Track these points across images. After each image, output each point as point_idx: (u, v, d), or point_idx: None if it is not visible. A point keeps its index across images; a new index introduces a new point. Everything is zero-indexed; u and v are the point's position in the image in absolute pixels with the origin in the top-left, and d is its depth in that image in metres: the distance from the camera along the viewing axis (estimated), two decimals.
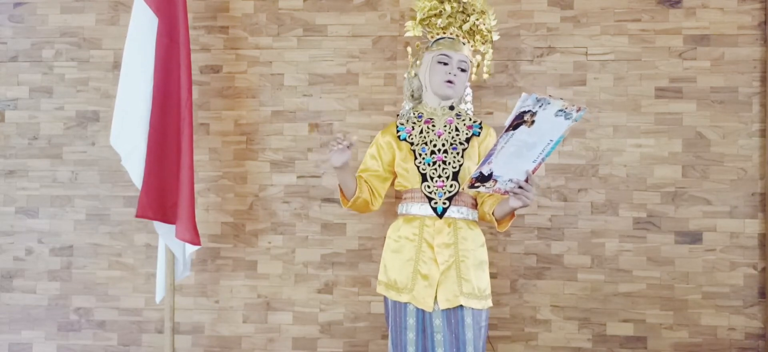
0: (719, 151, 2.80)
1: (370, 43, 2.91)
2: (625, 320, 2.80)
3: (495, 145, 1.86)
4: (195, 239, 2.51)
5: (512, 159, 1.91)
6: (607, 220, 2.82)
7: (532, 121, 1.82)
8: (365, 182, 2.30)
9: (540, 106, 1.79)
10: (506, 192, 2.01)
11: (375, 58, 2.90)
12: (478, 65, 2.41)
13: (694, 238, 2.80)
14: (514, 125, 1.81)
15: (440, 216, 2.16)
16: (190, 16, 2.89)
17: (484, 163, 1.90)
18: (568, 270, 2.82)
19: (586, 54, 2.85)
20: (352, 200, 2.24)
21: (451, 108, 2.28)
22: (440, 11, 2.31)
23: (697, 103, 2.81)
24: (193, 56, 2.89)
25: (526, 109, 1.78)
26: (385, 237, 2.83)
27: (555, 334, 2.82)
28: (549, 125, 1.84)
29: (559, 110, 1.82)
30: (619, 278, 2.81)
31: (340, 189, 2.25)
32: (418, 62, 2.33)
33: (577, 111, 1.83)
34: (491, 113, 2.84)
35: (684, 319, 2.79)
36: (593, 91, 2.83)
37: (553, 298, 2.83)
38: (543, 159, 1.95)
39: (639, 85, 2.82)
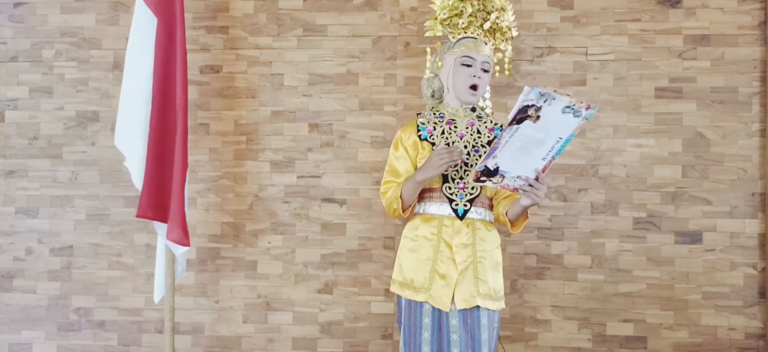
0: (719, 151, 2.80)
1: (370, 43, 2.91)
2: (625, 320, 2.80)
3: (499, 138, 1.84)
4: (184, 240, 2.51)
5: (519, 155, 1.89)
6: (607, 220, 2.82)
7: (538, 117, 1.79)
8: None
9: (544, 101, 1.76)
10: (515, 189, 2.00)
11: (375, 58, 2.90)
12: (498, 62, 2.39)
13: (694, 238, 2.79)
14: (518, 119, 1.79)
15: (461, 218, 2.16)
16: (190, 16, 2.89)
17: (488, 156, 1.88)
18: (568, 270, 2.82)
19: (586, 54, 2.85)
20: (410, 207, 2.19)
21: (473, 110, 2.28)
22: (461, 10, 2.30)
23: (697, 103, 2.81)
24: (193, 56, 2.89)
25: (530, 103, 1.76)
26: (384, 237, 2.86)
27: (555, 334, 2.82)
28: (557, 122, 1.81)
29: (567, 107, 1.79)
30: (619, 278, 2.81)
31: (402, 199, 2.16)
32: (438, 61, 2.30)
33: (587, 109, 1.79)
34: (491, 113, 2.83)
35: (684, 319, 2.79)
36: (593, 91, 2.83)
37: (553, 298, 2.83)
38: (553, 157, 1.92)
39: (639, 85, 2.82)
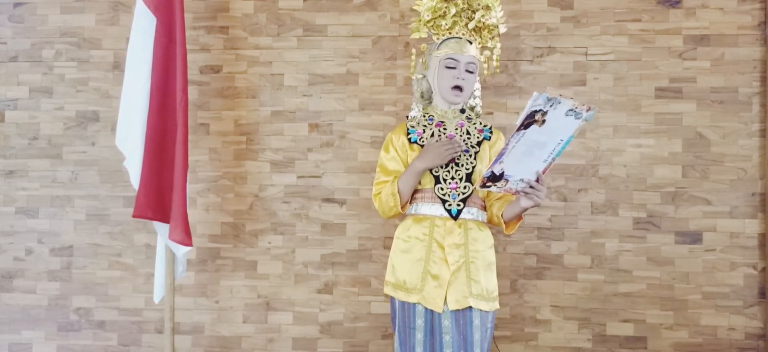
0: (719, 151, 2.80)
1: (370, 43, 2.91)
2: (625, 320, 2.80)
3: (506, 144, 1.87)
4: (186, 240, 2.51)
5: (523, 158, 1.91)
6: (607, 220, 2.82)
7: (544, 121, 1.82)
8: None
9: (551, 106, 1.80)
10: (517, 192, 2.02)
11: (375, 58, 2.90)
12: (486, 60, 2.39)
13: (694, 238, 2.79)
14: (526, 125, 1.82)
15: (455, 218, 2.16)
16: (190, 16, 2.89)
17: (495, 162, 1.91)
18: (568, 270, 2.82)
19: (586, 54, 2.85)
20: (406, 202, 2.19)
21: (462, 111, 2.28)
22: (445, 11, 2.29)
23: (697, 103, 2.81)
24: (193, 56, 2.89)
25: (538, 108, 1.79)
26: (384, 238, 2.86)
27: (555, 334, 2.82)
28: (559, 125, 1.85)
29: (570, 110, 1.82)
30: (619, 278, 2.81)
31: (400, 193, 2.16)
32: (423, 62, 2.31)
33: (587, 111, 1.84)
34: (491, 113, 2.84)
35: (684, 319, 2.79)
36: (593, 91, 2.83)
37: (553, 298, 2.83)
38: (553, 159, 1.95)
39: (639, 85, 2.82)
